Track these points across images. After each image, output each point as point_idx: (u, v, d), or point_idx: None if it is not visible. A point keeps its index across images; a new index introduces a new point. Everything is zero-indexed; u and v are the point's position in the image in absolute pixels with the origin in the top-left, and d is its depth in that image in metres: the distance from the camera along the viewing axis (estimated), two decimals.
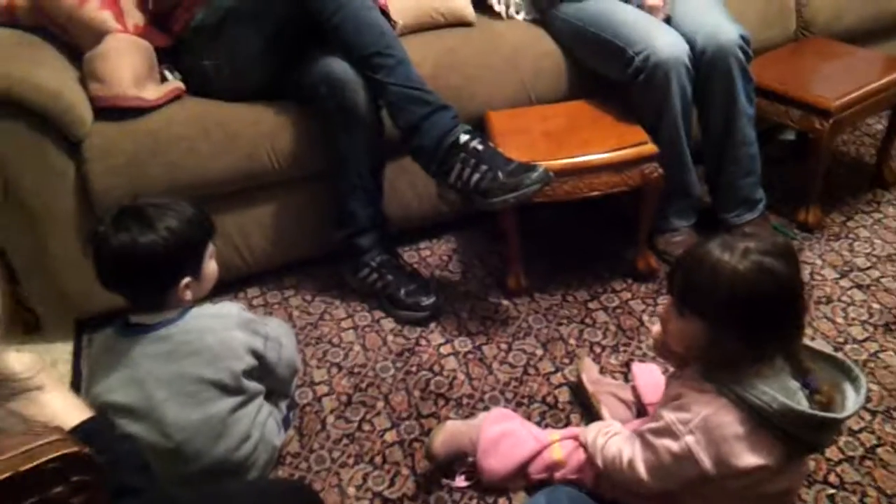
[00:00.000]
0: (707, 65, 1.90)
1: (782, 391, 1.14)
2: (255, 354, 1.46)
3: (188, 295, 1.42)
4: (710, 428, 1.15)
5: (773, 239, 1.17)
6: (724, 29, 1.89)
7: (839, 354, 1.25)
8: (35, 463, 0.46)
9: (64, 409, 0.73)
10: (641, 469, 1.24)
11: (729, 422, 1.15)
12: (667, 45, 1.83)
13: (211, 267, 1.47)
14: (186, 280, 1.40)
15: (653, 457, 1.22)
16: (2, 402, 0.58)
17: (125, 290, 1.43)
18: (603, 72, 2.02)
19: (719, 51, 1.88)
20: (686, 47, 1.86)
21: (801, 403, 1.15)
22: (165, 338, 1.39)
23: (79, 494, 0.48)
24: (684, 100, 1.88)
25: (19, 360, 0.66)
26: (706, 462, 1.16)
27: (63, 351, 1.91)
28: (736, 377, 1.15)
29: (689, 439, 1.17)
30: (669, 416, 1.20)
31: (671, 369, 1.38)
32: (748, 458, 1.14)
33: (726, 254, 1.13)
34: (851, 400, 1.16)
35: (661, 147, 1.83)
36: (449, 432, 1.46)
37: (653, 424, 1.24)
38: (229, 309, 1.48)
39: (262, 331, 1.49)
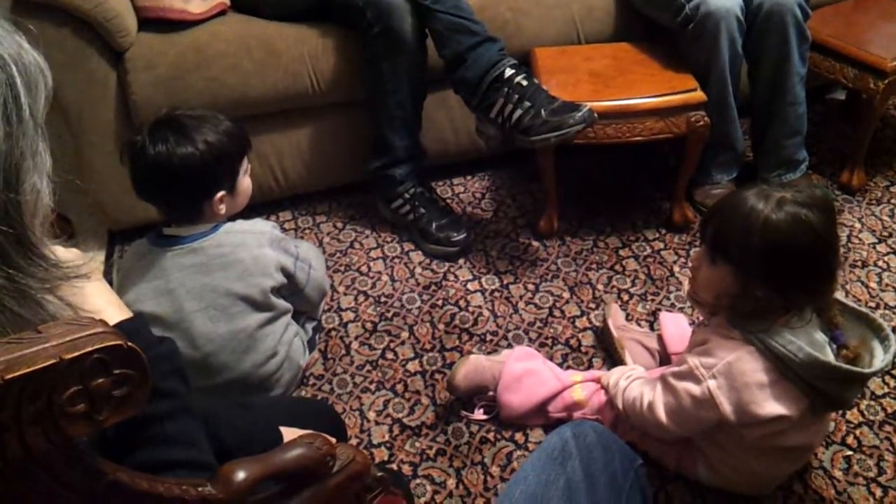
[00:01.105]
0: (762, 20, 1.84)
1: (809, 343, 1.14)
2: (285, 273, 1.48)
3: (222, 209, 1.43)
4: (733, 374, 1.16)
5: (811, 190, 1.15)
6: None
7: (872, 312, 1.24)
8: (79, 353, 0.46)
9: (106, 305, 0.74)
10: (661, 412, 1.24)
11: (753, 369, 1.15)
12: None
13: (245, 182, 1.48)
14: (221, 193, 1.41)
15: (673, 400, 1.23)
16: (53, 288, 0.59)
17: (160, 201, 1.45)
18: (653, 17, 1.97)
19: (776, 6, 1.82)
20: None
21: (828, 356, 1.15)
22: (198, 250, 1.41)
23: (120, 387, 0.48)
24: (733, 52, 1.83)
25: (67, 251, 0.67)
26: (726, 407, 1.17)
27: (95, 261, 1.94)
28: (764, 326, 1.15)
29: (711, 383, 1.17)
30: (693, 360, 1.20)
31: (700, 320, 1.38)
32: (769, 407, 1.14)
33: (761, 202, 1.12)
34: (879, 358, 1.16)
35: (707, 98, 1.79)
36: (472, 365, 1.47)
37: (675, 368, 1.24)
38: (262, 226, 1.49)
39: (292, 250, 1.51)
